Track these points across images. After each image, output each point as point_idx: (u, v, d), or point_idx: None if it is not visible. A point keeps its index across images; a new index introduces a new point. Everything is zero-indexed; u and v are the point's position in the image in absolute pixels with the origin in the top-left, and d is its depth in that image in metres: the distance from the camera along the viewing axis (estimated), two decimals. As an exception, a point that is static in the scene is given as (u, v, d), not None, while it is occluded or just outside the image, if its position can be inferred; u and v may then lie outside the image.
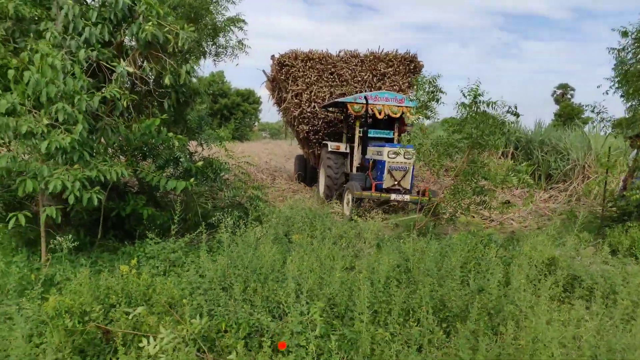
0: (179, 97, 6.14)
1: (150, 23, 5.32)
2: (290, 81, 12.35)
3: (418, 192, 9.05)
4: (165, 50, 5.82)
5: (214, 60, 8.14)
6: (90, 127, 4.83)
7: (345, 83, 12.52)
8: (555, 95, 46.41)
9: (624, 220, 6.76)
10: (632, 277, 3.97)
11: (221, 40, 7.81)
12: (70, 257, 4.54)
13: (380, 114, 9.83)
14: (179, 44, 5.48)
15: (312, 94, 12.28)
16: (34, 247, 5.37)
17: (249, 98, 40.22)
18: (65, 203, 4.84)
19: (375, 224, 5.74)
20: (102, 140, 5.35)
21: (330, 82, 12.46)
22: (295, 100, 12.29)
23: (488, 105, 6.42)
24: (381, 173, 9.14)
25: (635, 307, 3.29)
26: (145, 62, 5.74)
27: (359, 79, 12.65)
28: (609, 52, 6.93)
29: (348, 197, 9.08)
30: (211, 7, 7.36)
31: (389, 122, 10.72)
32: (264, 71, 13.84)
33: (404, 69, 12.89)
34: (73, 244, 4.19)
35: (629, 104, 7.05)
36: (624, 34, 6.69)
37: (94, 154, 4.87)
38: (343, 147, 10.71)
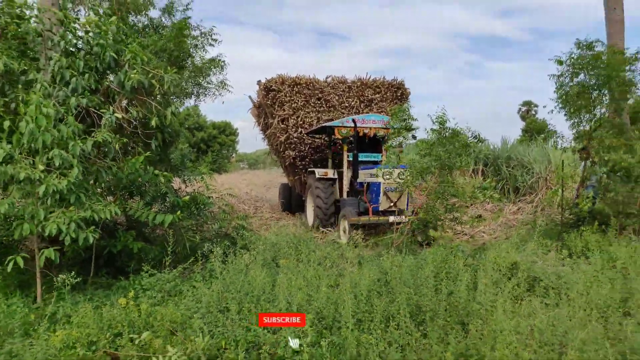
0: (164, 137, 6.51)
1: (135, 71, 5.73)
2: (276, 106, 12.27)
3: (413, 212, 8.76)
4: (150, 94, 6.23)
5: (196, 101, 8.58)
6: (84, 169, 5.14)
7: (332, 109, 12.50)
8: (520, 112, 48.18)
9: (579, 226, 7.40)
10: (581, 274, 4.49)
11: (203, 82, 8.26)
12: (67, 296, 4.77)
13: (366, 136, 9.78)
14: (165, 87, 5.90)
15: (299, 119, 12.19)
16: (27, 288, 5.54)
17: (225, 130, 40.77)
18: (58, 243, 5.11)
19: (356, 244, 6.16)
20: (92, 181, 5.66)
21: (317, 108, 12.40)
22: (282, 126, 12.23)
23: (454, 132, 7.10)
24: (377, 195, 8.97)
25: (579, 298, 3.77)
26: (131, 106, 6.10)
27: (346, 105, 12.68)
28: (550, 78, 7.77)
29: (344, 224, 8.82)
30: (192, 50, 7.83)
31: (375, 145, 10.69)
32: (250, 97, 13.93)
33: (391, 95, 13.00)
34: (76, 280, 4.43)
35: (571, 121, 7.83)
36: (560, 62, 7.60)
37: (88, 195, 5.15)
38: (331, 173, 10.60)
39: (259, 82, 12.65)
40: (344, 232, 8.79)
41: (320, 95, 12.49)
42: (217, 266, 4.79)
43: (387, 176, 8.57)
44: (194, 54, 7.88)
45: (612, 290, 4.35)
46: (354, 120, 9.67)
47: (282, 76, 12.34)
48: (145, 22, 8.62)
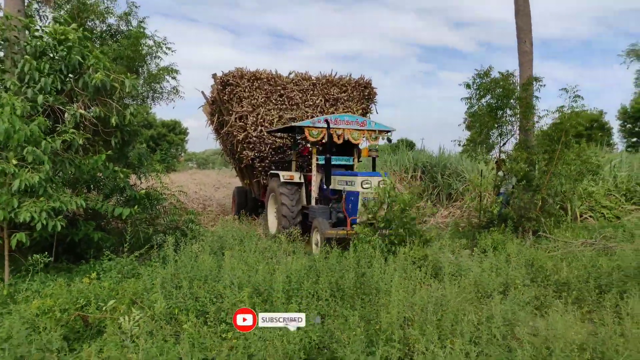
0: (123, 135, 7.13)
1: (99, 73, 6.35)
2: (234, 102, 11.26)
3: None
4: (110, 96, 6.85)
5: (151, 104, 9.20)
6: (52, 163, 5.73)
7: (295, 107, 11.59)
8: (466, 122, 50.68)
9: (489, 227, 8.63)
10: (478, 265, 5.60)
11: (157, 87, 8.91)
12: (39, 274, 5.33)
13: (339, 138, 8.94)
14: (126, 90, 6.55)
15: (259, 116, 11.21)
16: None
17: (174, 129, 40.77)
18: (23, 230, 5.65)
19: (297, 239, 7.05)
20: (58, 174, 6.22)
21: (279, 105, 11.47)
22: (240, 123, 11.25)
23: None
24: (354, 206, 8.03)
25: (470, 281, 4.86)
26: (93, 106, 6.69)
27: (311, 103, 11.78)
28: (461, 100, 9.06)
29: (317, 237, 8.09)
30: (147, 58, 8.47)
31: (346, 148, 9.77)
32: (202, 92, 13.00)
33: (357, 94, 12.25)
34: (49, 259, 5.05)
35: (480, 136, 9.14)
36: (468, 86, 8.91)
37: (55, 189, 5.74)
38: (297, 177, 9.61)
39: (214, 76, 11.80)
40: (316, 245, 8.11)
41: (282, 91, 11.60)
42: (170, 253, 5.51)
43: (367, 185, 7.90)
44: (149, 62, 8.49)
45: (497, 276, 5.47)
46: (327, 121, 8.76)
47: (240, 69, 11.39)
48: (104, 28, 9.12)
